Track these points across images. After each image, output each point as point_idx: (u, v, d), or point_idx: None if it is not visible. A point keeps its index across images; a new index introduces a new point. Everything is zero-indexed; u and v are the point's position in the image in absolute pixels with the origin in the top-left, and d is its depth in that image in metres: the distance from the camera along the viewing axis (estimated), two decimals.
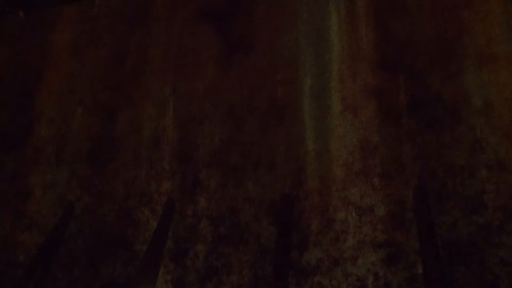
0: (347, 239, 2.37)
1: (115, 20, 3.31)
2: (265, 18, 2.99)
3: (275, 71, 2.84)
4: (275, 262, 2.27)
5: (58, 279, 2.70)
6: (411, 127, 2.50)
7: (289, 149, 2.65)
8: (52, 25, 3.46)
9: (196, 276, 2.48)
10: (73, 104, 3.16)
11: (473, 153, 2.35)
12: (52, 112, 3.19)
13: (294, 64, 2.83)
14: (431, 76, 2.56)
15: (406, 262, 2.25)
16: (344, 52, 2.77)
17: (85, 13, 3.40)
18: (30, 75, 3.37)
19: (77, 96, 3.18)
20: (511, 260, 2.11)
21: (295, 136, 2.67)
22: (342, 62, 2.76)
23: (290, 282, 2.29)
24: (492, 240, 2.17)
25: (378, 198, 2.41)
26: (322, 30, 2.86)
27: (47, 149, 3.09)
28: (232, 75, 2.91)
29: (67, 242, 2.77)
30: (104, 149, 2.97)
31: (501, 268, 2.12)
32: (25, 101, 3.29)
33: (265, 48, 2.91)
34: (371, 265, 2.29)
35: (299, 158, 2.61)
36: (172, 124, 2.91)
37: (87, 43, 3.32)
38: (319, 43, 2.84)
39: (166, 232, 2.41)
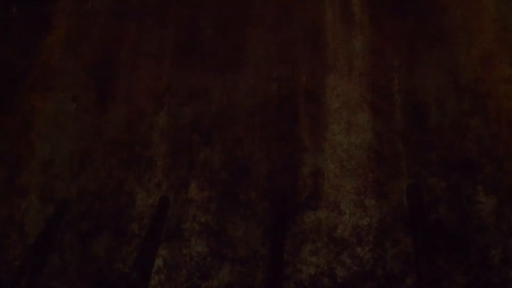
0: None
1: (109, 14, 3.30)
2: (261, 14, 3.00)
3: (270, 68, 2.85)
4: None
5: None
6: (406, 129, 2.51)
7: (285, 145, 2.65)
8: (45, 20, 3.43)
9: None
10: (67, 100, 3.14)
11: None
12: (46, 111, 3.16)
13: (289, 61, 2.83)
14: (426, 70, 2.59)
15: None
16: (339, 50, 2.79)
17: (79, 8, 3.38)
18: (21, 71, 3.33)
19: (71, 92, 3.15)
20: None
21: (290, 133, 2.68)
22: (337, 60, 2.77)
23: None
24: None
25: (370, 195, 2.42)
26: (317, 27, 2.88)
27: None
28: (227, 74, 2.92)
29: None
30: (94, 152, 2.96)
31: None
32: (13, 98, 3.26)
33: (260, 45, 2.92)
34: None
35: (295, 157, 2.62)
36: (167, 125, 2.89)
37: (81, 37, 3.30)
38: (314, 40, 2.85)
39: (162, 224, 2.41)
